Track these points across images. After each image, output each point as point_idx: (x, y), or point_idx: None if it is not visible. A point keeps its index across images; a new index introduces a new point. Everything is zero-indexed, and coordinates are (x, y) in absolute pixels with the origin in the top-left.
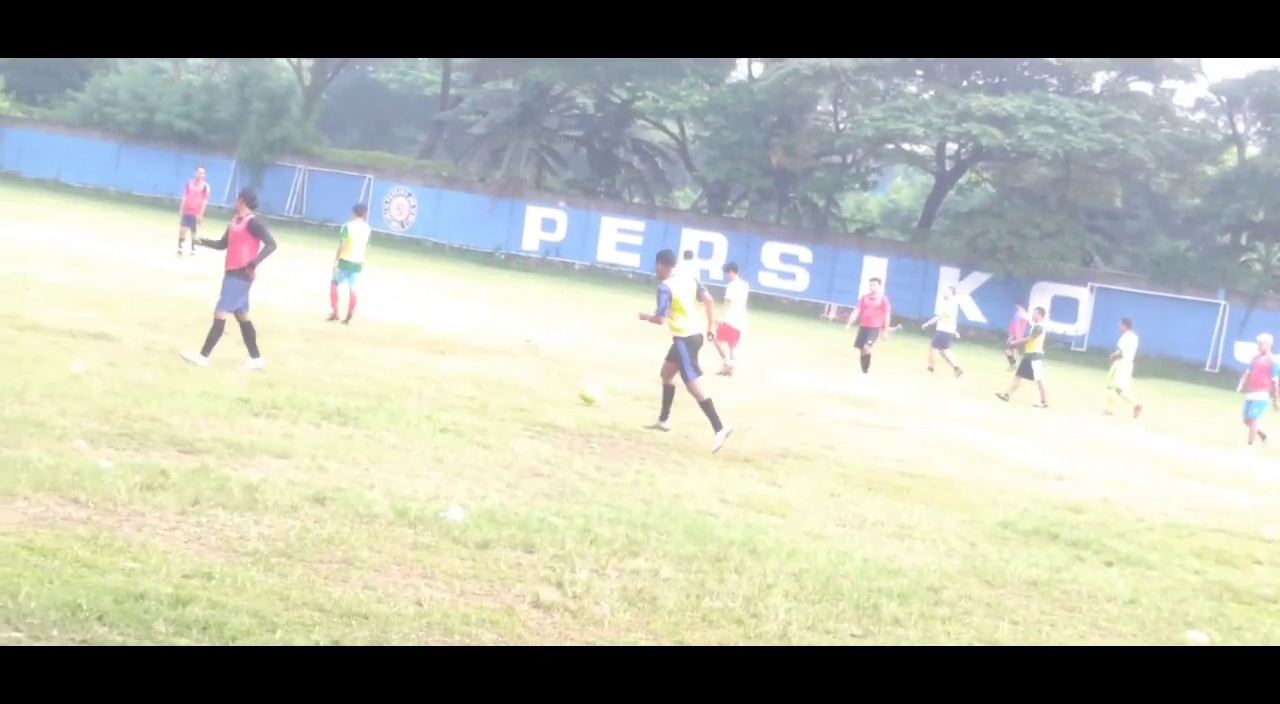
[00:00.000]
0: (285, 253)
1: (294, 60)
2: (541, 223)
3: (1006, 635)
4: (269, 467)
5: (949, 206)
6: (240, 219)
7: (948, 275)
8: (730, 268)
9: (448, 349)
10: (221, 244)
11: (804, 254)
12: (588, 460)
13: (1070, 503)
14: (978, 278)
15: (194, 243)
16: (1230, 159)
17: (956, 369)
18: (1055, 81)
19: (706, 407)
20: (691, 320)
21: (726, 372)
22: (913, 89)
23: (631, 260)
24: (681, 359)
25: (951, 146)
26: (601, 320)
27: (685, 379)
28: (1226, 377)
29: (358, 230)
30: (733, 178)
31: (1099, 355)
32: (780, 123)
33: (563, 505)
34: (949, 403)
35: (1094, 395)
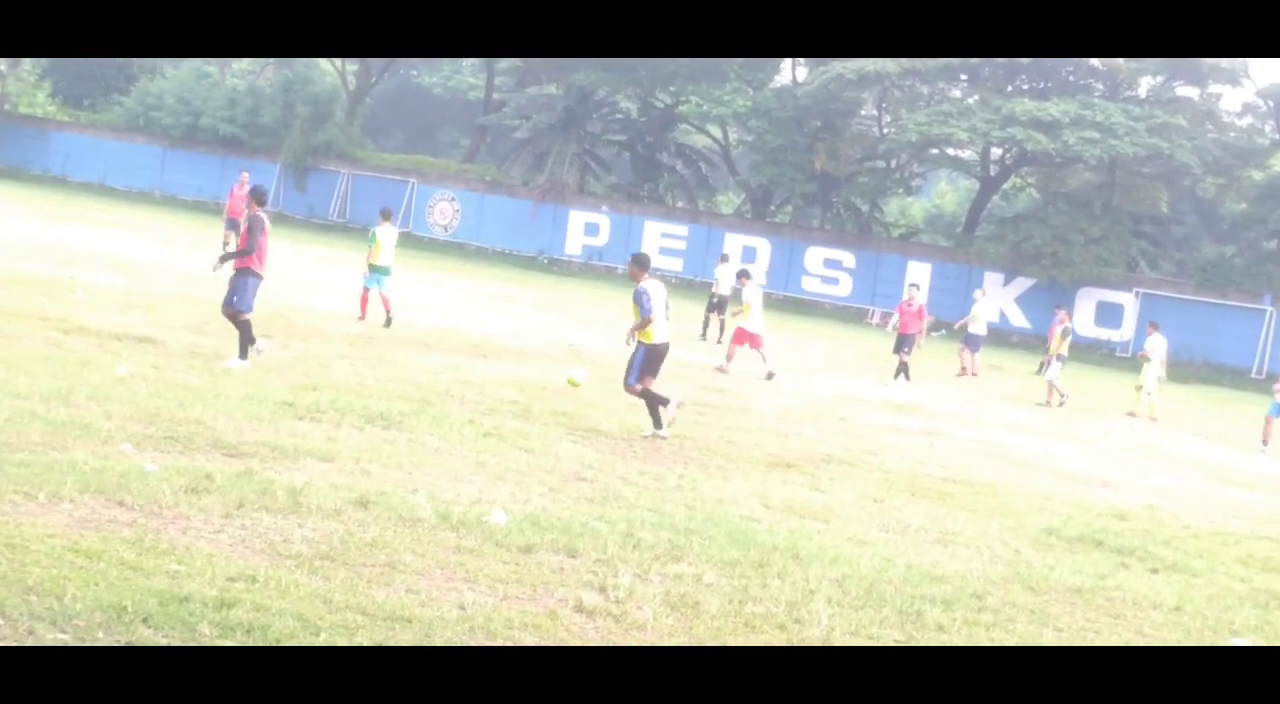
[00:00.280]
0: (329, 257)
1: (338, 64)
2: (584, 227)
3: (1050, 643)
4: (313, 470)
5: (993, 212)
6: (249, 216)
7: (992, 281)
8: (742, 274)
9: (490, 353)
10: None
11: (847, 259)
12: (630, 465)
13: (1115, 510)
14: (1022, 283)
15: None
16: (1277, 164)
17: (967, 370)
18: (1100, 86)
19: (649, 401)
20: (659, 328)
21: (769, 376)
22: (957, 93)
23: (675, 265)
24: (634, 363)
25: (996, 151)
26: None
27: (626, 382)
28: (1273, 383)
29: (385, 235)
30: (776, 182)
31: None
32: (824, 127)
33: (605, 510)
34: (992, 408)
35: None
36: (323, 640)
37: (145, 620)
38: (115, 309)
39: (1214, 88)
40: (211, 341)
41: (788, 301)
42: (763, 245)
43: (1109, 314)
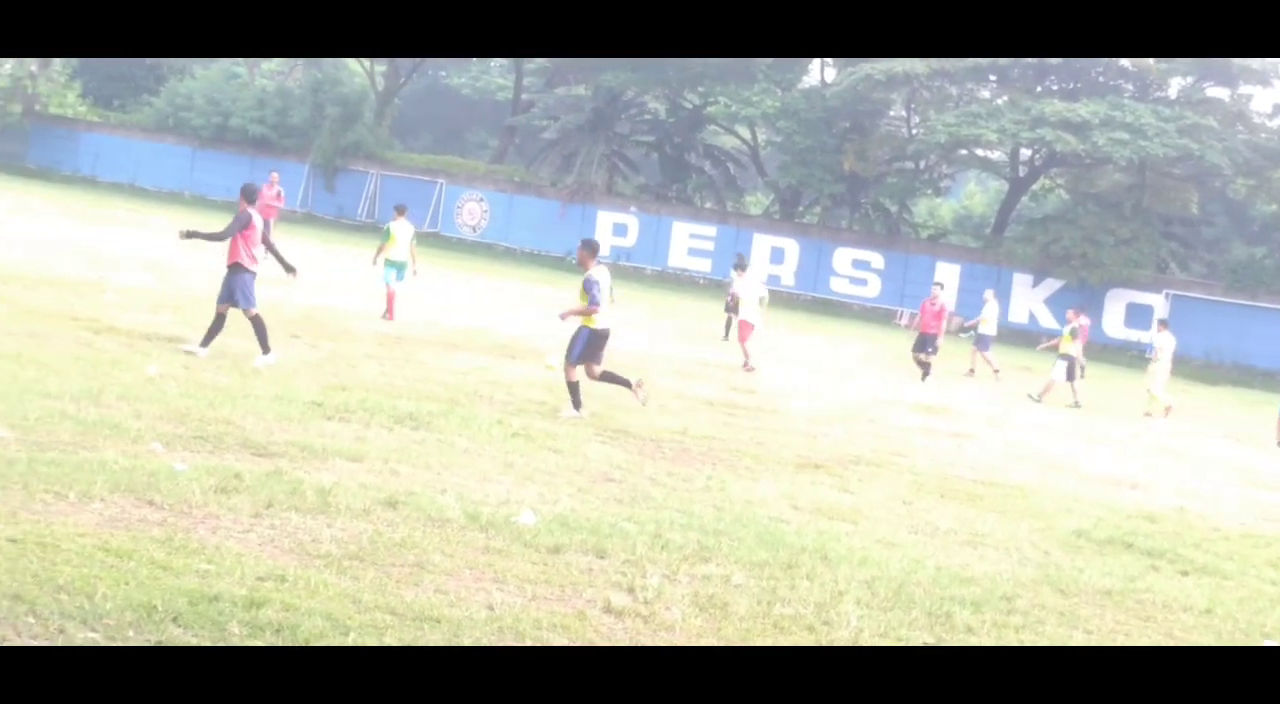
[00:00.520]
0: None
1: (367, 65)
2: (613, 228)
3: (1080, 645)
4: (342, 470)
5: (1022, 213)
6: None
7: (1021, 282)
8: (737, 267)
9: (519, 354)
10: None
11: (876, 260)
12: (659, 466)
13: (1145, 512)
14: (1051, 284)
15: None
16: None
17: (988, 368)
18: (1130, 87)
19: (572, 388)
20: (603, 314)
21: (749, 369)
22: (986, 94)
23: (703, 266)
24: (576, 345)
25: (1025, 152)
26: (672, 325)
27: (568, 359)
28: None
29: (400, 229)
30: (805, 183)
31: (1173, 363)
32: (853, 128)
33: (634, 511)
34: (1020, 410)
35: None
36: (352, 640)
37: (175, 620)
38: (145, 309)
39: (1245, 88)
40: (239, 342)
41: (816, 302)
42: (791, 246)
43: (1139, 316)
